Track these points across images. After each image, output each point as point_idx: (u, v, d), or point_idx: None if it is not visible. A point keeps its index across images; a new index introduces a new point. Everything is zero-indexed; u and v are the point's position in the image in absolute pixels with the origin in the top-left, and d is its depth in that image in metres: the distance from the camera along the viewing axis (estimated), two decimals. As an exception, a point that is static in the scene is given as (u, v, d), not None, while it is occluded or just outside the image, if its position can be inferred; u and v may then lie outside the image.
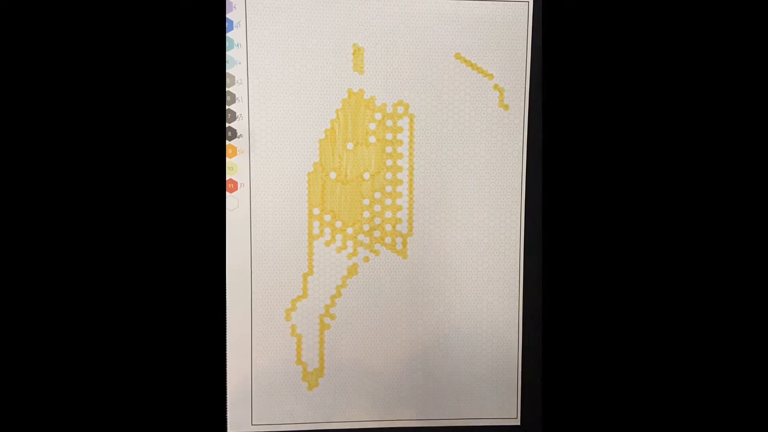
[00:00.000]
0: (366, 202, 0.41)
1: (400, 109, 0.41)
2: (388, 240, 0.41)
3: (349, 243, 0.41)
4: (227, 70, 0.39)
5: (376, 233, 0.41)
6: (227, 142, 0.40)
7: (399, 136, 0.41)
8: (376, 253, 0.41)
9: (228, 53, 0.39)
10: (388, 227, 0.41)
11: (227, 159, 0.40)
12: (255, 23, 0.39)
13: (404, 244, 0.41)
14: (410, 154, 0.41)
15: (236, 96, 0.39)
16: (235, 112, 0.39)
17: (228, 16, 0.39)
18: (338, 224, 0.41)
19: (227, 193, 0.40)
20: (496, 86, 0.41)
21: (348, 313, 0.41)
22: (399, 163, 0.41)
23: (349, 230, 0.41)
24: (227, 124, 0.39)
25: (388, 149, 0.41)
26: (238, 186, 0.40)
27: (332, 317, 0.41)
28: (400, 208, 0.41)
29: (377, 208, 0.41)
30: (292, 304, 0.41)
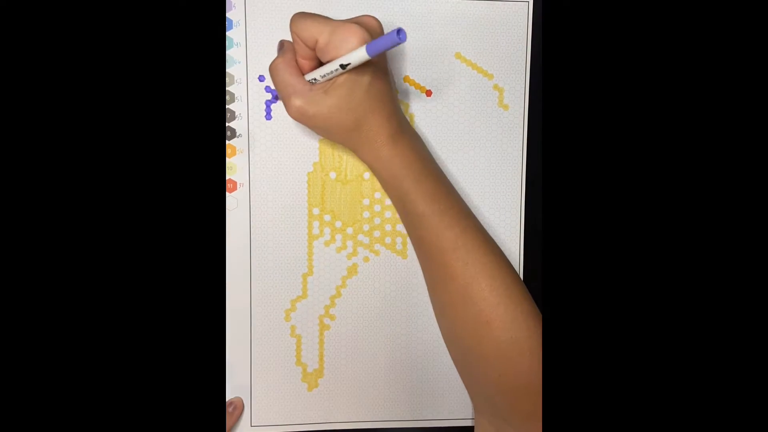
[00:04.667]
0: (366, 202, 0.41)
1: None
2: (387, 240, 0.41)
3: (349, 243, 0.41)
4: (227, 69, 0.39)
5: (376, 233, 0.41)
6: (226, 142, 0.39)
7: (399, 136, 0.41)
8: (376, 253, 0.41)
9: (228, 52, 0.39)
10: (388, 227, 0.41)
11: (227, 159, 0.40)
12: (254, 22, 0.39)
13: (404, 244, 0.41)
14: (410, 153, 0.41)
15: (235, 95, 0.39)
16: (234, 112, 0.39)
17: (228, 15, 0.39)
18: (338, 224, 0.41)
19: (227, 193, 0.40)
20: (495, 86, 0.41)
21: (348, 313, 0.41)
22: (399, 162, 0.41)
23: (349, 230, 0.41)
24: (226, 124, 0.39)
25: (388, 149, 0.41)
26: (238, 186, 0.40)
27: (332, 318, 0.41)
28: (399, 208, 0.41)
29: (377, 208, 0.41)
30: (292, 305, 0.41)
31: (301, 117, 0.34)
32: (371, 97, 0.34)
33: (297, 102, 0.34)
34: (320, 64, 0.35)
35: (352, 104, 0.33)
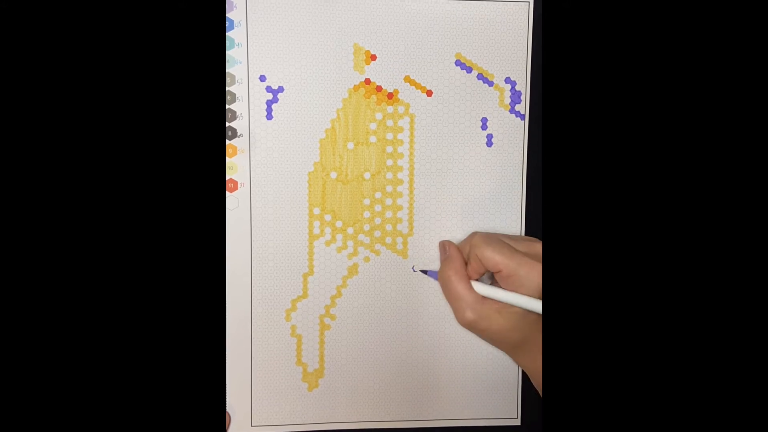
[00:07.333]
0: (366, 201, 0.41)
1: (401, 109, 0.40)
2: (388, 240, 0.41)
3: (350, 243, 0.41)
4: (227, 70, 0.39)
5: (377, 233, 0.41)
6: (227, 142, 0.39)
7: (399, 136, 0.41)
8: (377, 252, 0.41)
9: (228, 52, 0.39)
10: (389, 227, 0.41)
11: (227, 158, 0.40)
12: (255, 22, 0.39)
13: (405, 243, 0.41)
14: (410, 153, 0.41)
15: (237, 95, 0.39)
16: (235, 112, 0.39)
17: (228, 15, 0.39)
18: (339, 224, 0.41)
19: (227, 193, 0.40)
20: (496, 86, 0.41)
21: (348, 313, 0.41)
22: (399, 162, 0.41)
23: (350, 230, 0.41)
24: (227, 124, 0.39)
25: (389, 149, 0.41)
26: (238, 186, 0.40)
27: (332, 317, 0.41)
28: (400, 207, 0.41)
29: (378, 207, 0.41)
30: (293, 305, 0.41)
31: (470, 328, 0.37)
32: (541, 321, 0.36)
33: (469, 316, 0.36)
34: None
35: (523, 326, 0.35)
